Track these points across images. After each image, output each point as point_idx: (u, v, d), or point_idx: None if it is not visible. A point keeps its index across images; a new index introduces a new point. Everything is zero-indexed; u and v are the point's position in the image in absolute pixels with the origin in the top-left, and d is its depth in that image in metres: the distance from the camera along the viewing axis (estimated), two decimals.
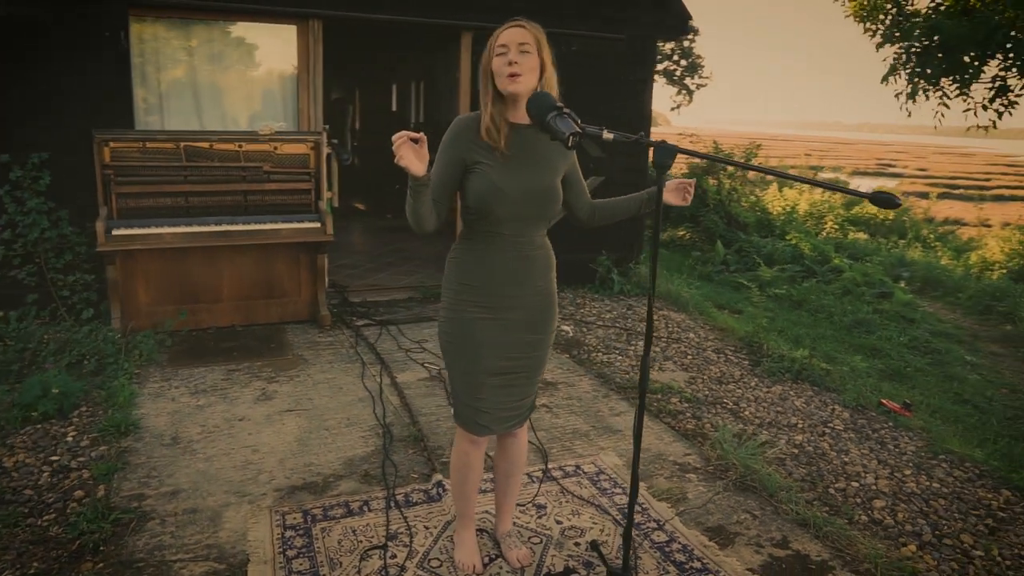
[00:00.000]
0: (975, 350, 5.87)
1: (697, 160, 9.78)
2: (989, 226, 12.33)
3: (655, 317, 5.85)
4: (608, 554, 2.68)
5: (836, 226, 10.39)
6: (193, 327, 4.92)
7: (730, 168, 9.80)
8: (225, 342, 4.79)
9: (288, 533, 2.73)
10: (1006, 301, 6.70)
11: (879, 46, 7.34)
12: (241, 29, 5.20)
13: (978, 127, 7.14)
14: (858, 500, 3.28)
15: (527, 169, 2.23)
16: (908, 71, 6.82)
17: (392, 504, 2.94)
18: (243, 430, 3.57)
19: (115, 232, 4.42)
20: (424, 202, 2.11)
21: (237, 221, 4.75)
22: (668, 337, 5.44)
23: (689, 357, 5.02)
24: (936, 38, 5.89)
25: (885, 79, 7.16)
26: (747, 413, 4.13)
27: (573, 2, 6.05)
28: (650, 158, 2.28)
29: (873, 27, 7.60)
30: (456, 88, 9.65)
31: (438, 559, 2.61)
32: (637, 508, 3.02)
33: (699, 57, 18.79)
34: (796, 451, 3.70)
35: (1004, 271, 8.24)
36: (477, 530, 2.70)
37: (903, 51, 6.76)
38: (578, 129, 1.99)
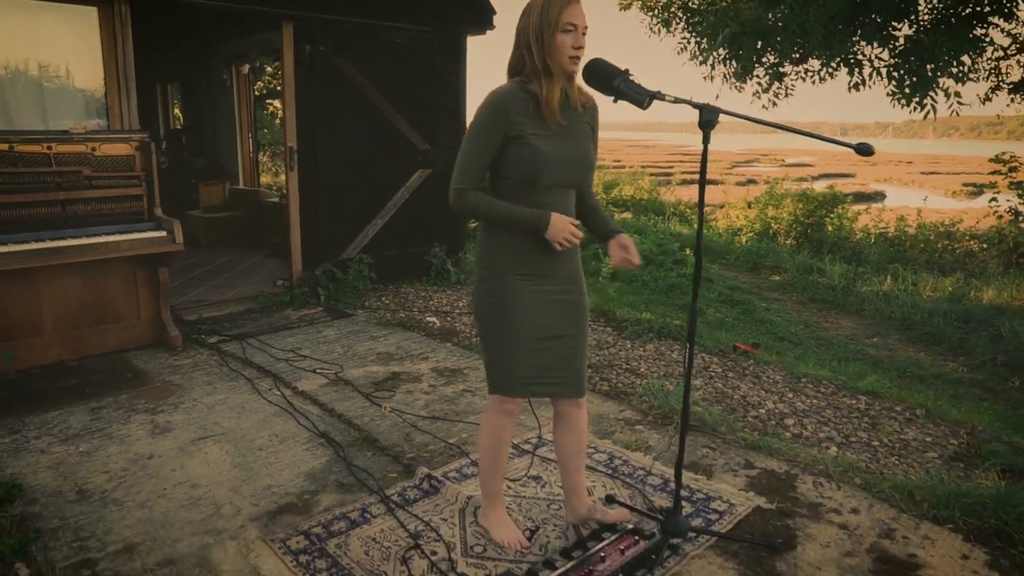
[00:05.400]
0: (764, 299, 6.92)
1: None
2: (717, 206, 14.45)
3: None
4: (624, 500, 2.78)
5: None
6: (7, 369, 4.02)
7: None
8: (62, 380, 3.99)
9: (302, 558, 2.42)
10: (769, 257, 7.96)
11: (659, 31, 8.28)
12: (30, 11, 4.33)
13: (763, 107, 8.43)
14: (773, 422, 3.75)
15: (569, 139, 2.24)
16: (720, 57, 7.78)
17: (392, 505, 2.74)
18: (162, 467, 3.04)
19: None
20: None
21: (63, 235, 3.98)
22: None
23: None
24: (744, 27, 6.84)
25: (701, 62, 8.09)
26: (643, 370, 4.47)
27: None
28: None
29: (660, 18, 8.54)
30: (228, 89, 8.95)
31: (480, 545, 2.51)
32: (619, 459, 3.16)
33: None
34: (702, 393, 4.10)
35: (750, 235, 9.77)
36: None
37: (712, 38, 7.68)
38: (654, 91, 2.07)
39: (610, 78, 2.11)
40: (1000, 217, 8.76)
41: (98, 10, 4.48)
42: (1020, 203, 8.49)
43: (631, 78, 2.11)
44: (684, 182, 18.85)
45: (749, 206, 10.56)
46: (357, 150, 5.93)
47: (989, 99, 7.63)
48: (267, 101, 14.79)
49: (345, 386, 4.01)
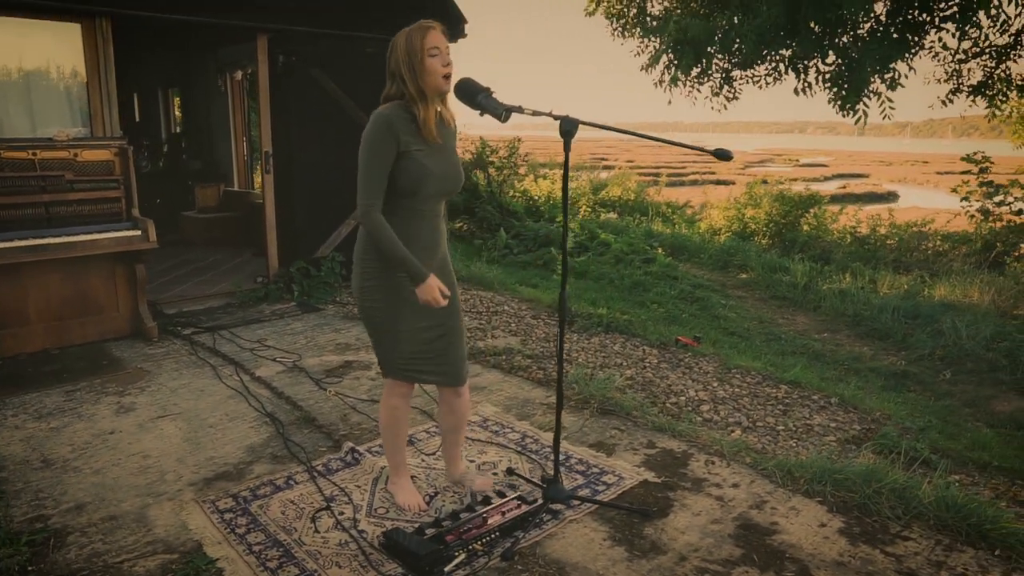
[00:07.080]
0: (726, 296, 7.19)
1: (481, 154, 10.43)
2: (699, 207, 14.70)
3: (465, 296, 6.35)
4: (524, 473, 3.10)
5: (589, 208, 11.74)
6: None
7: (497, 161, 10.64)
8: (44, 366, 4.38)
9: (227, 515, 2.77)
10: (738, 256, 8.23)
11: (622, 34, 8.60)
12: (19, 27, 4.72)
13: (712, 108, 8.74)
14: (689, 408, 4.06)
15: (443, 153, 2.57)
16: (666, 63, 8.11)
17: (315, 474, 3.09)
18: (121, 441, 3.41)
19: None
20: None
21: (45, 234, 4.37)
22: (488, 311, 5.96)
23: (513, 325, 5.59)
24: (685, 34, 7.13)
25: (646, 68, 8.43)
26: (581, 360, 4.78)
27: (371, 7, 6.31)
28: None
29: (620, 24, 8.86)
30: (223, 94, 9.37)
31: (383, 507, 2.85)
32: (531, 439, 3.48)
33: None
34: (631, 382, 4.41)
35: (728, 234, 10.04)
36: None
37: (661, 44, 8.00)
38: (513, 105, 2.39)
39: (475, 94, 2.43)
40: (972, 217, 8.96)
41: (81, 26, 4.87)
42: (989, 202, 8.69)
43: (492, 95, 2.43)
44: (672, 184, 19.09)
45: (728, 208, 10.85)
46: (330, 154, 6.28)
47: (951, 101, 7.86)
48: None
49: (299, 373, 4.36)
